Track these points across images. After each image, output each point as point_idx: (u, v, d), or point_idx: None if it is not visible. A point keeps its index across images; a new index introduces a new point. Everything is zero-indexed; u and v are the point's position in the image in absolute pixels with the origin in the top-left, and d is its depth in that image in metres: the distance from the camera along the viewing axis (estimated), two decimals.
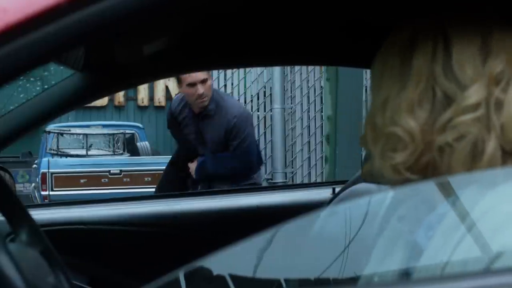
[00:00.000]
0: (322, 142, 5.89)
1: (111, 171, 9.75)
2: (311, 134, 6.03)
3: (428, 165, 1.11)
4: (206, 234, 2.43)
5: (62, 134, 10.98)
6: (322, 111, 5.81)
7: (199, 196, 2.60)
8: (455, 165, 1.08)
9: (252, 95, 6.09)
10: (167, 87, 15.92)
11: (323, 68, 5.35)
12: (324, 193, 2.49)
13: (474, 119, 1.07)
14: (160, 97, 16.05)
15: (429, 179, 1.10)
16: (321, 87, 5.68)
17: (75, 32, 0.87)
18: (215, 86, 6.03)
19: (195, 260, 1.10)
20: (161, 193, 3.56)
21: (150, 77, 2.07)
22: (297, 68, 5.86)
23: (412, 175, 1.11)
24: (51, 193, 9.63)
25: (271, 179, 5.96)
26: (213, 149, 4.30)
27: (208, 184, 4.29)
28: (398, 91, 1.13)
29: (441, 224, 1.07)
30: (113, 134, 11.39)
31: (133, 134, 11.81)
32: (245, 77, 6.03)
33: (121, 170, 9.77)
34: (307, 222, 1.10)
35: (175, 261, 2.40)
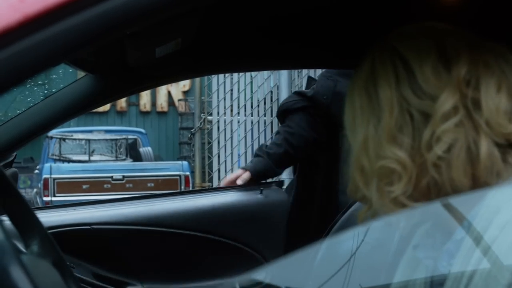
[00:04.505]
0: None
1: (114, 177, 9.72)
2: None
3: (429, 187, 1.07)
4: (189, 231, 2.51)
5: (64, 140, 10.96)
6: None
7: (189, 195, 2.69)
8: (456, 176, 1.05)
9: (258, 100, 6.03)
10: (169, 93, 15.91)
11: None
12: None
13: (456, 124, 1.06)
14: (162, 103, 16.02)
15: (431, 202, 1.07)
16: None
17: (98, 27, 0.80)
18: (222, 91, 5.97)
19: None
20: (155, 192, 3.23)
21: (162, 81, 2.03)
22: (304, 72, 5.81)
23: (416, 203, 1.07)
24: (53, 198, 9.59)
25: None
26: None
27: None
28: (375, 127, 1.11)
29: (461, 249, 1.03)
30: (116, 139, 11.37)
31: (135, 139, 11.79)
32: (251, 82, 5.97)
33: (123, 176, 9.74)
34: (315, 249, 1.07)
35: (170, 259, 2.51)
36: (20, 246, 1.34)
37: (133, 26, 0.87)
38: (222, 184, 2.74)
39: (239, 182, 2.65)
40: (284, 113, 2.84)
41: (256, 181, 2.68)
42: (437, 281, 1.07)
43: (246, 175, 2.67)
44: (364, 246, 1.18)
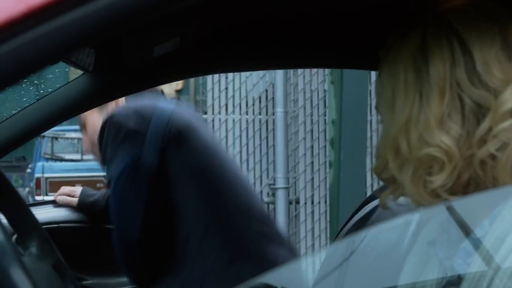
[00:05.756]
0: (325, 146, 5.79)
1: None
2: (314, 138, 5.93)
3: (469, 182, 1.01)
4: None
5: (56, 138, 10.90)
6: (325, 115, 5.73)
7: None
8: (501, 176, 0.99)
9: (254, 98, 6.00)
10: (162, 91, 15.84)
11: (327, 71, 5.28)
12: None
13: None
14: None
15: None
16: (325, 90, 5.62)
17: (105, 20, 0.77)
18: (216, 89, 5.94)
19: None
20: None
21: (160, 80, 2.00)
22: (300, 71, 5.78)
23: (452, 196, 1.01)
24: (45, 198, 9.55)
25: (273, 184, 5.86)
26: None
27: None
28: (420, 107, 1.02)
29: (481, 248, 0.99)
30: None
31: None
32: (246, 80, 5.93)
33: None
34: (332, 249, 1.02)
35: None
36: (19, 248, 1.32)
37: (137, 19, 0.83)
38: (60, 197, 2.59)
39: (59, 198, 2.55)
40: None
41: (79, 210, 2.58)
42: (451, 280, 1.03)
43: (73, 201, 2.57)
44: (377, 242, 1.14)
